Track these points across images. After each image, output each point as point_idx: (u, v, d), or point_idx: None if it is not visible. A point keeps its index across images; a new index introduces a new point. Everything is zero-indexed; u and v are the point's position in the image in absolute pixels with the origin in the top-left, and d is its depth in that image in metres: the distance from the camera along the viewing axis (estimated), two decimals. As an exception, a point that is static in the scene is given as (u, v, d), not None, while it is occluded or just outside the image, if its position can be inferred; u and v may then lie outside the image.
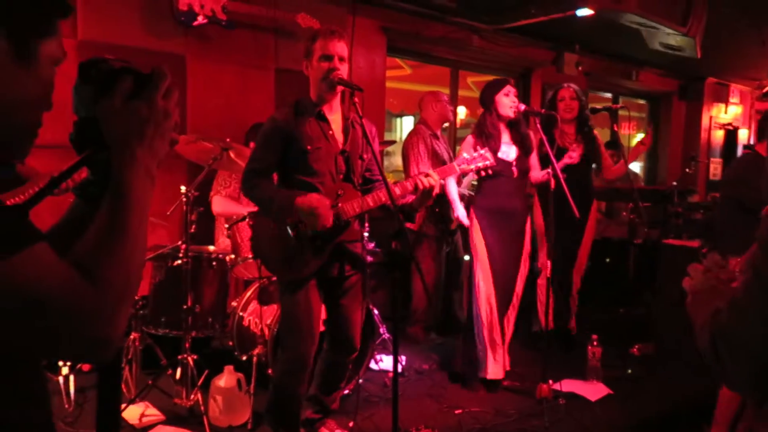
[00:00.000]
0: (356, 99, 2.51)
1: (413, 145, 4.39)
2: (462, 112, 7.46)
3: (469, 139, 3.57)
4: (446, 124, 5.04)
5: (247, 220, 3.39)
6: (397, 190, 2.54)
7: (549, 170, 3.44)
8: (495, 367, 3.60)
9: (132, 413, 2.99)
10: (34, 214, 0.81)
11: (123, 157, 0.86)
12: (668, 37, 5.28)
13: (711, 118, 8.69)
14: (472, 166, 2.77)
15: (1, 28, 0.79)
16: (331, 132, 2.63)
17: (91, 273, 0.77)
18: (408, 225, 4.33)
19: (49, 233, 1.00)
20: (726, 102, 8.90)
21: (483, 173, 2.77)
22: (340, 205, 2.56)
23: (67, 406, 3.02)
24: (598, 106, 4.33)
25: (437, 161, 4.34)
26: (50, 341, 0.76)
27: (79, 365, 3.21)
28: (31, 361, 0.88)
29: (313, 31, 2.67)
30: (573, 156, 3.78)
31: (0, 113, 0.82)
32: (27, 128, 0.86)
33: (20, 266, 0.71)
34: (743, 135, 9.31)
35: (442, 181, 2.68)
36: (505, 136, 3.56)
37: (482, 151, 2.79)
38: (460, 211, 3.98)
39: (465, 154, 2.85)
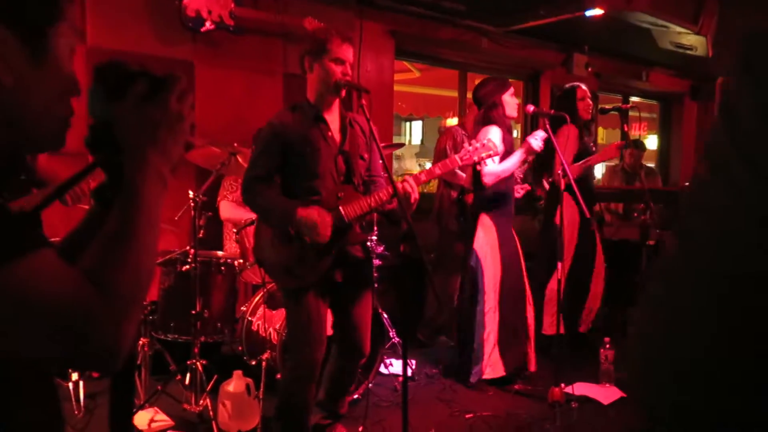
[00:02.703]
0: (364, 101, 2.50)
1: (439, 143, 4.54)
2: (471, 114, 7.44)
3: (496, 131, 3.43)
4: None
5: (255, 224, 3.38)
6: (400, 186, 2.52)
7: (559, 171, 3.41)
8: (494, 367, 3.58)
9: (141, 419, 2.99)
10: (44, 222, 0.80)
11: (135, 161, 0.85)
12: (679, 36, 5.23)
13: (723, 118, 8.59)
14: (475, 157, 2.73)
15: (12, 29, 0.78)
16: (329, 133, 2.61)
17: (99, 279, 0.75)
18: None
19: (66, 238, 1.00)
20: (739, 102, 8.79)
21: (486, 164, 2.75)
22: (340, 207, 2.53)
23: (76, 412, 3.02)
24: (608, 106, 4.29)
25: None
26: (56, 349, 0.75)
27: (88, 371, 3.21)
28: (40, 368, 0.88)
29: (323, 30, 2.61)
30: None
31: (28, 111, 0.82)
32: (58, 119, 0.86)
33: (22, 274, 0.70)
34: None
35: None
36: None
37: (485, 141, 2.75)
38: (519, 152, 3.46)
39: (467, 145, 2.83)
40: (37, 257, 0.72)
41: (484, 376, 3.60)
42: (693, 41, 5.35)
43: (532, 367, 3.71)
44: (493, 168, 3.39)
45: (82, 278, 0.75)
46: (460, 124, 4.68)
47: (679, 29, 4.99)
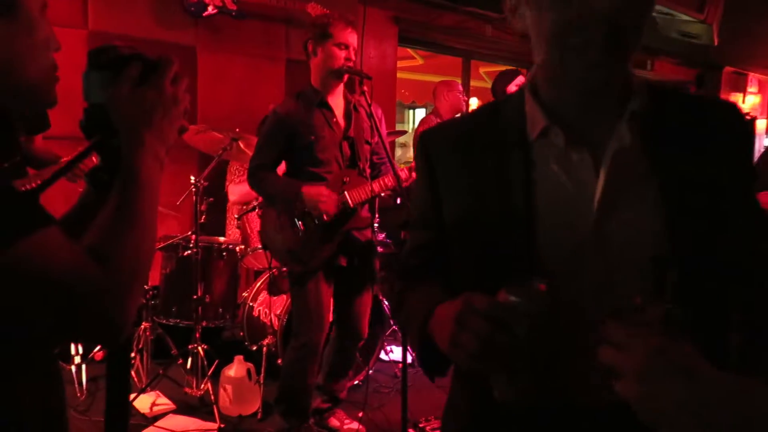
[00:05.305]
0: (365, 87, 2.50)
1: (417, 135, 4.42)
2: (474, 102, 7.40)
3: None
4: (459, 115, 5.02)
5: (257, 210, 3.39)
6: (403, 174, 2.53)
7: None
8: None
9: (143, 402, 3.01)
10: (46, 202, 0.81)
11: (132, 143, 0.87)
12: (685, 24, 5.18)
13: (729, 108, 8.55)
14: None
15: None
16: (334, 119, 2.62)
17: (101, 256, 0.77)
18: None
19: (61, 220, 1.00)
20: (744, 91, 8.74)
21: None
22: (346, 192, 2.54)
23: (79, 394, 3.04)
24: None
25: None
26: (61, 324, 0.76)
27: (91, 354, 3.24)
28: (44, 346, 0.89)
29: (327, 15, 2.60)
30: None
31: (7, 65, 0.81)
32: (41, 71, 0.86)
33: (30, 250, 0.71)
34: (761, 125, 9.14)
35: None
36: None
37: None
38: None
39: None
40: (43, 234, 0.74)
41: None
42: (698, 30, 5.30)
43: None
44: None
45: (84, 254, 0.76)
46: (434, 111, 4.60)
47: (684, 17, 4.94)
